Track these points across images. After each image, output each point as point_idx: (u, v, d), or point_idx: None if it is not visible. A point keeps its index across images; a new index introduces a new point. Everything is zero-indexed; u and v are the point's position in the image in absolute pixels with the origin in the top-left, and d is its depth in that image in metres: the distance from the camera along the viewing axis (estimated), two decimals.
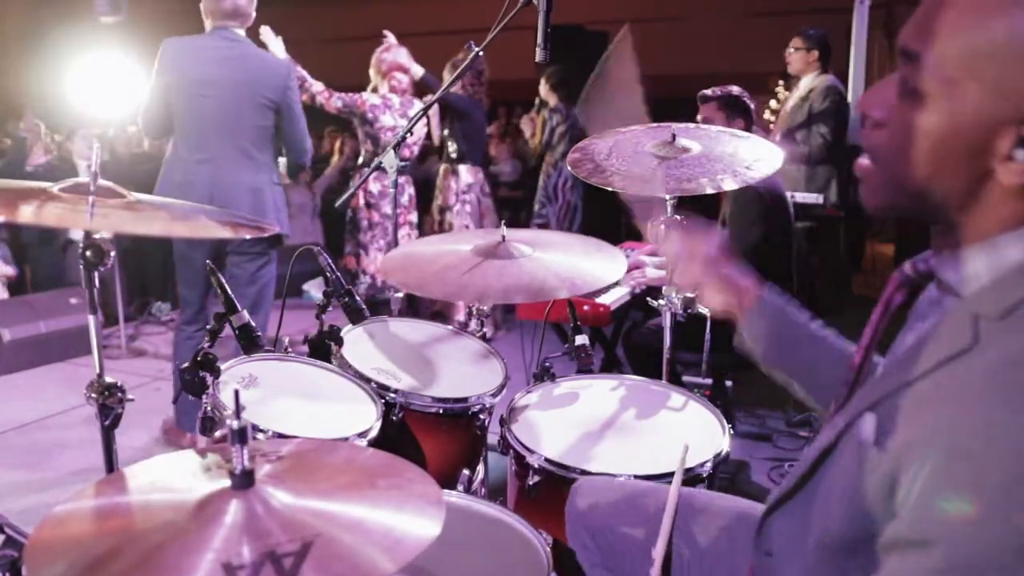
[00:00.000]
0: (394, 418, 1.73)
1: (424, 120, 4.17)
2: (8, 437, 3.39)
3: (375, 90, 4.23)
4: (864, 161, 0.90)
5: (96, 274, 1.37)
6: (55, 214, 1.25)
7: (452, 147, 4.57)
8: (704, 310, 2.03)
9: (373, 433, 1.59)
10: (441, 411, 1.79)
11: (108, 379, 1.43)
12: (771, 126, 5.21)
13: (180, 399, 2.93)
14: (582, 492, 1.44)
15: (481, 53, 2.23)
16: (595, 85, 1.53)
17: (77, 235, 1.39)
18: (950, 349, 0.77)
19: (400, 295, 2.22)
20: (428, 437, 1.79)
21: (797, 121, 4.39)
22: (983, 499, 0.66)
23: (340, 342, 1.83)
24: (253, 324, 1.81)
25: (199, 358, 1.53)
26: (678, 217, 2.06)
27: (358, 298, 1.98)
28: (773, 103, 6.91)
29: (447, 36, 5.88)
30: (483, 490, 1.98)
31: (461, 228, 4.52)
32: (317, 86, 3.95)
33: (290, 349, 1.84)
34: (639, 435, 1.70)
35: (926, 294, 0.93)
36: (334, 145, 7.09)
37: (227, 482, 0.84)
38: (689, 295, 2.01)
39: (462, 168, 4.57)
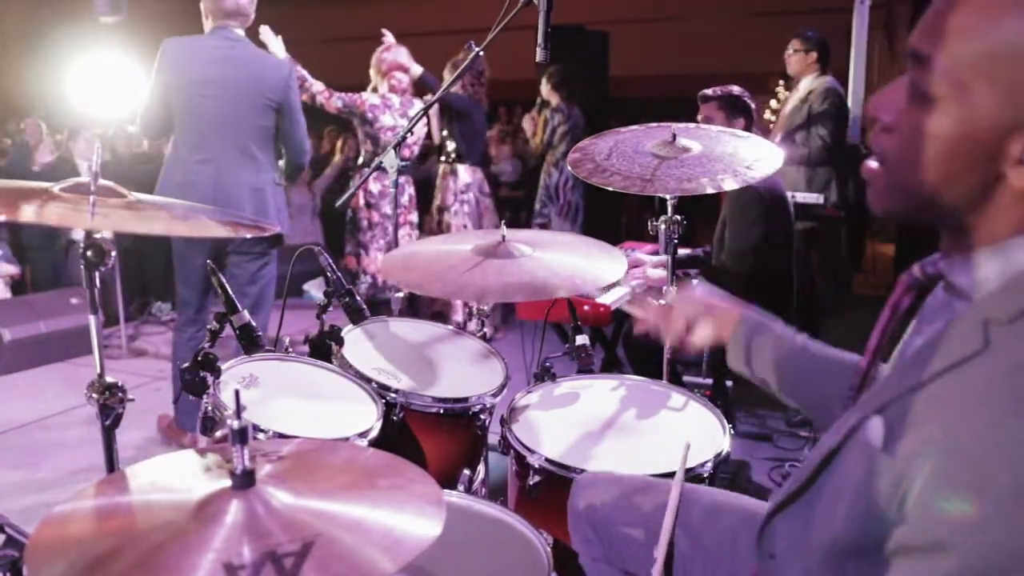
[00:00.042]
0: (394, 418, 1.73)
1: (424, 120, 4.17)
2: (8, 437, 3.39)
3: (375, 90, 4.23)
4: (872, 164, 0.89)
5: (96, 274, 1.37)
6: (56, 214, 1.25)
7: (451, 147, 4.57)
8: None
9: (373, 433, 1.59)
10: (442, 411, 1.79)
11: (108, 379, 1.43)
12: (771, 126, 5.22)
13: (180, 399, 2.93)
14: (584, 486, 1.44)
15: (481, 53, 2.23)
16: None
17: (78, 235, 1.39)
18: (960, 353, 0.76)
19: (401, 295, 2.22)
20: (428, 437, 1.79)
21: (796, 123, 4.39)
22: (992, 503, 0.66)
23: (341, 342, 1.83)
24: (254, 324, 1.81)
25: (200, 358, 1.53)
26: (678, 218, 2.07)
27: (359, 298, 1.98)
28: (773, 103, 6.91)
29: (447, 36, 5.89)
30: (483, 490, 1.98)
31: (459, 228, 4.52)
32: (317, 86, 3.95)
33: (291, 349, 1.84)
34: (639, 435, 1.70)
35: (934, 297, 0.93)
36: (335, 145, 7.09)
37: (227, 482, 0.84)
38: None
39: (461, 168, 4.57)
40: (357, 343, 1.92)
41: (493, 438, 1.81)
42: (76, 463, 3.08)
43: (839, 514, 0.83)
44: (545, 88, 5.27)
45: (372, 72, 4.24)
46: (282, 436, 1.47)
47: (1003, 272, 0.79)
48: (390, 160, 2.31)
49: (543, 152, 5.36)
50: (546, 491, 1.58)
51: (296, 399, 1.68)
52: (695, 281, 1.50)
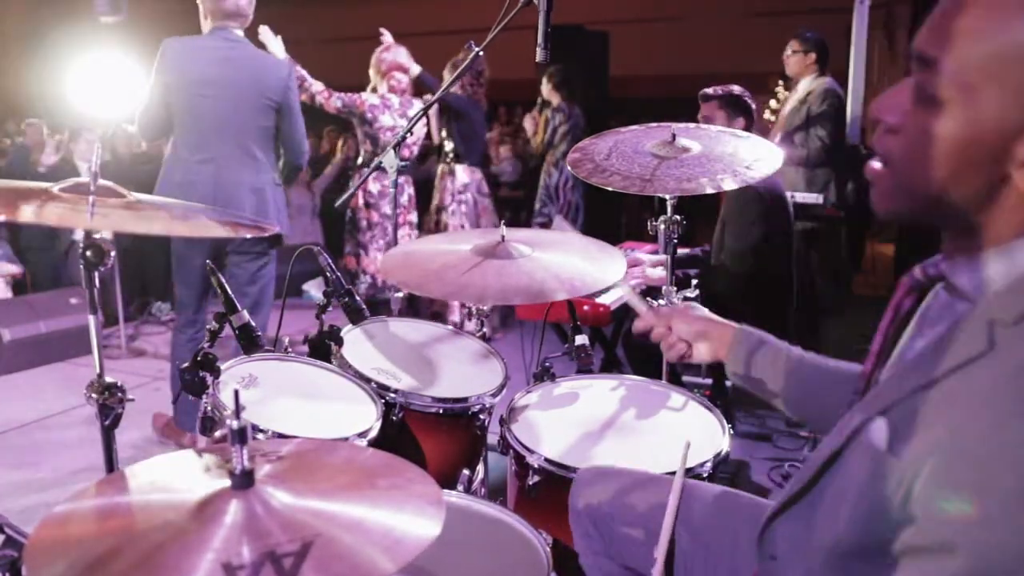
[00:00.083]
0: (394, 418, 1.73)
1: (424, 120, 4.17)
2: (8, 437, 3.39)
3: (374, 90, 4.23)
4: (876, 165, 0.89)
5: (96, 274, 1.37)
6: (56, 214, 1.25)
7: (449, 147, 4.57)
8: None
9: (373, 433, 1.59)
10: (441, 411, 1.79)
11: (108, 379, 1.43)
12: (770, 126, 5.22)
13: (180, 399, 2.93)
14: (585, 480, 1.44)
15: (481, 53, 2.23)
16: None
17: (79, 236, 1.39)
18: (965, 354, 0.76)
19: (400, 295, 2.22)
20: (428, 437, 1.79)
21: (795, 124, 4.39)
22: (998, 504, 0.66)
23: (340, 342, 1.83)
24: (253, 324, 1.81)
25: (199, 358, 1.53)
26: (678, 218, 2.07)
27: (358, 298, 1.98)
28: (773, 103, 6.91)
29: (447, 36, 5.89)
30: (483, 490, 1.98)
31: (456, 228, 4.52)
32: (317, 86, 3.95)
33: (290, 349, 1.84)
34: (639, 435, 1.70)
35: (936, 299, 0.92)
36: (335, 145, 7.09)
37: (227, 482, 0.84)
38: (689, 295, 2.02)
39: (459, 168, 4.57)
40: (356, 343, 1.92)
41: (492, 438, 1.81)
42: (76, 463, 3.08)
43: (842, 515, 0.83)
44: (546, 88, 5.28)
45: (372, 72, 4.24)
46: (281, 436, 1.47)
47: (1008, 273, 0.79)
48: (390, 160, 2.31)
49: (544, 152, 5.36)
50: (545, 491, 1.58)
51: (295, 399, 1.68)
52: (694, 282, 1.50)
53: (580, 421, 1.74)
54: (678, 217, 2.09)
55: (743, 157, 1.97)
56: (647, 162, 1.96)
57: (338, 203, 2.69)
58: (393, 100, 4.16)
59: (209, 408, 1.54)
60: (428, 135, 4.71)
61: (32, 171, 5.43)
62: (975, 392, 0.73)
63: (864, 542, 0.79)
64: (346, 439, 1.54)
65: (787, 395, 1.28)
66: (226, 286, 1.76)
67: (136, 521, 0.84)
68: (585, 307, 2.87)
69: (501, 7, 1.99)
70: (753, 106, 2.96)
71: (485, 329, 2.13)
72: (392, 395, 1.74)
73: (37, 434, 3.42)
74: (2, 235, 5.09)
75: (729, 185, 1.90)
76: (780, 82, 6.40)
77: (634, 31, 9.64)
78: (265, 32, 3.66)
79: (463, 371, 1.94)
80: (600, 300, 2.90)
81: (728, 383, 3.19)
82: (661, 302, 2.03)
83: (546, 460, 1.57)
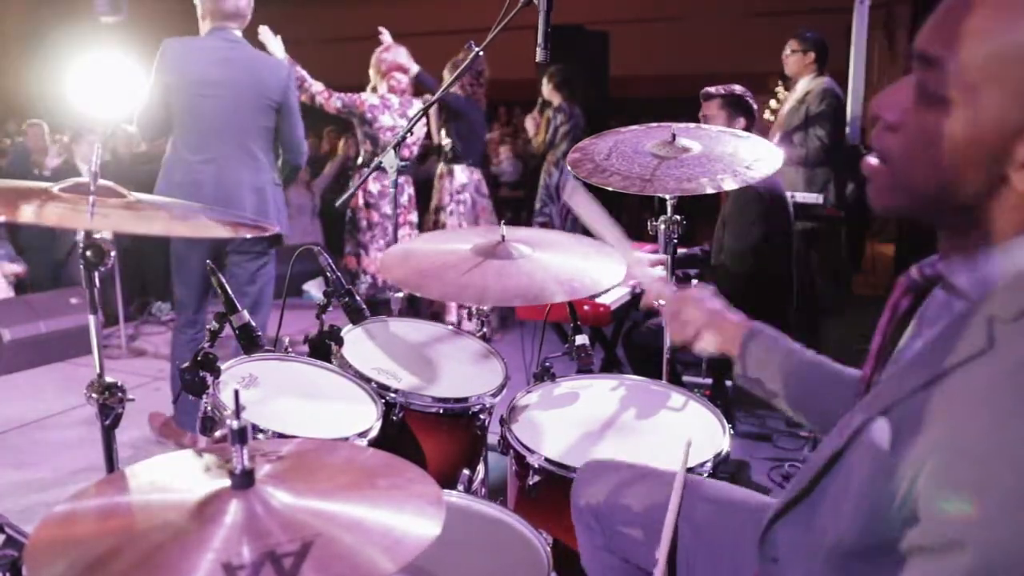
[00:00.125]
0: (394, 418, 1.73)
1: (424, 120, 4.17)
2: (8, 437, 3.39)
3: (374, 90, 4.23)
4: (872, 160, 0.89)
5: (96, 274, 1.37)
6: (56, 214, 1.25)
7: (448, 147, 4.58)
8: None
9: (373, 433, 1.59)
10: (441, 411, 1.79)
11: (108, 379, 1.43)
12: (769, 126, 5.22)
13: (180, 399, 2.93)
14: (588, 474, 1.44)
15: (481, 53, 2.23)
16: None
17: (80, 238, 1.39)
18: (965, 352, 0.76)
19: (400, 295, 2.22)
20: (428, 437, 1.79)
21: (794, 124, 4.40)
22: (999, 502, 0.66)
23: (340, 342, 1.83)
24: (253, 324, 1.81)
25: (199, 358, 1.53)
26: (678, 218, 2.07)
27: (358, 298, 1.98)
28: (773, 103, 6.91)
29: (447, 36, 5.88)
30: (483, 490, 1.98)
31: (454, 228, 4.52)
32: (316, 86, 3.95)
33: (290, 349, 1.84)
34: (639, 435, 1.70)
35: (933, 299, 0.92)
36: (335, 145, 7.09)
37: (227, 482, 0.84)
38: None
39: (457, 168, 4.56)
40: (357, 343, 1.92)
41: (493, 438, 1.81)
42: (76, 463, 3.08)
43: (844, 515, 0.83)
44: (547, 88, 5.28)
45: (372, 72, 4.24)
46: (281, 436, 1.47)
47: (1006, 271, 0.80)
48: (390, 160, 2.31)
49: (545, 152, 5.37)
50: (546, 491, 1.58)
51: (296, 399, 1.68)
52: (694, 282, 1.46)
53: (580, 421, 1.74)
54: (678, 217, 2.09)
55: (743, 157, 1.97)
56: (647, 162, 1.96)
57: (338, 203, 2.69)
58: (393, 100, 4.16)
59: (209, 408, 1.54)
60: (428, 135, 4.71)
61: (33, 172, 5.43)
62: (975, 390, 0.73)
63: (866, 542, 0.79)
64: (346, 439, 1.54)
65: (792, 397, 1.26)
66: (226, 286, 1.76)
67: (136, 521, 0.84)
68: (585, 307, 2.87)
69: (501, 7, 1.99)
70: (755, 107, 2.96)
71: (485, 329, 2.13)
72: (392, 395, 1.74)
73: (37, 434, 3.42)
74: (2, 235, 5.09)
75: (729, 185, 1.90)
76: (780, 82, 6.40)
77: (634, 31, 9.64)
78: (265, 32, 3.66)
79: (463, 371, 1.94)
80: (600, 300, 2.90)
81: (728, 383, 3.20)
82: (661, 302, 2.02)
83: (546, 460, 1.57)
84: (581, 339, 1.99)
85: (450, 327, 2.19)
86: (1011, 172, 0.77)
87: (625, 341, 3.16)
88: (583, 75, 5.68)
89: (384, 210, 4.15)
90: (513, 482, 1.71)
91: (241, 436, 0.82)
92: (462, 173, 4.57)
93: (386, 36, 4.25)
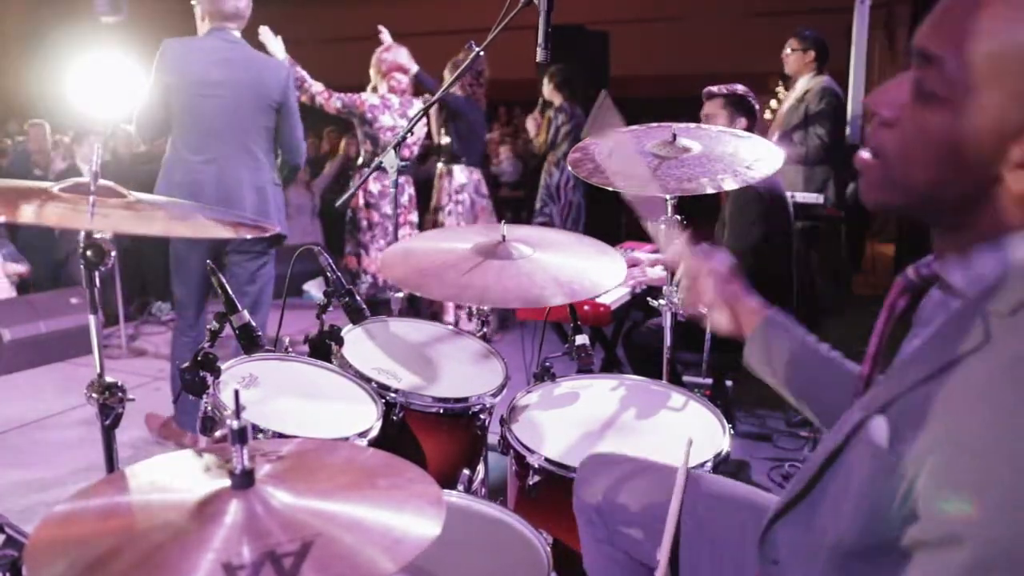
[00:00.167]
0: (394, 418, 1.73)
1: (424, 120, 4.17)
2: (8, 437, 3.39)
3: (375, 90, 4.23)
4: (865, 155, 0.89)
5: (96, 274, 1.37)
6: (56, 214, 1.25)
7: (446, 147, 4.58)
8: (704, 310, 2.03)
9: (373, 433, 1.59)
10: (441, 411, 1.79)
11: (108, 379, 1.43)
12: (769, 125, 5.22)
13: (180, 399, 2.93)
14: (589, 470, 1.44)
15: (481, 53, 2.23)
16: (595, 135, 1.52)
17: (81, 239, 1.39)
18: (962, 348, 0.76)
19: (400, 295, 2.22)
20: (428, 437, 1.79)
21: (793, 122, 4.40)
22: (998, 497, 0.66)
23: (340, 342, 1.83)
24: (253, 324, 1.81)
25: (199, 358, 1.53)
26: (678, 218, 2.06)
27: (358, 298, 1.98)
28: (773, 103, 6.91)
29: (447, 36, 5.89)
30: (483, 490, 1.98)
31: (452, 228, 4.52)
32: (317, 87, 3.95)
33: (290, 349, 1.84)
34: (639, 435, 1.70)
35: (929, 299, 0.93)
36: (336, 145, 7.10)
37: (227, 482, 0.84)
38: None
39: (456, 168, 4.56)
40: (357, 343, 1.92)
41: (493, 438, 1.81)
42: (76, 463, 3.08)
43: (844, 514, 0.83)
44: (547, 88, 5.28)
45: (372, 72, 4.24)
46: (281, 436, 1.47)
47: (1000, 267, 0.80)
48: (390, 160, 2.31)
49: (546, 152, 5.37)
50: (546, 491, 1.58)
51: (296, 399, 1.68)
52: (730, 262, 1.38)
53: (580, 421, 1.74)
54: (678, 217, 2.09)
55: (743, 157, 1.97)
56: (647, 162, 1.96)
57: (338, 203, 2.69)
58: (393, 100, 4.16)
59: (209, 408, 1.54)
60: (428, 135, 4.71)
61: (33, 172, 5.43)
62: (972, 385, 0.73)
63: (866, 541, 0.79)
64: (346, 439, 1.54)
65: (798, 389, 1.24)
66: (227, 286, 1.76)
67: (136, 521, 0.84)
68: (585, 307, 2.87)
69: (501, 7, 1.99)
70: (756, 107, 2.96)
71: (485, 329, 2.13)
72: (392, 395, 1.74)
73: (37, 434, 3.42)
74: (2, 234, 5.10)
75: (729, 185, 1.89)
76: (780, 82, 6.40)
77: (634, 31, 9.63)
78: (265, 32, 3.66)
79: (463, 371, 1.94)
80: (600, 300, 2.90)
81: (728, 383, 3.20)
82: (661, 302, 2.03)
83: (546, 460, 1.57)
84: (581, 339, 1.99)
85: (450, 327, 2.19)
86: (1005, 172, 0.77)
87: (625, 341, 3.16)
88: (583, 75, 5.67)
89: (384, 210, 4.15)
90: (513, 482, 1.71)
91: (241, 436, 0.82)
92: (461, 173, 4.56)
93: (386, 36, 4.25)
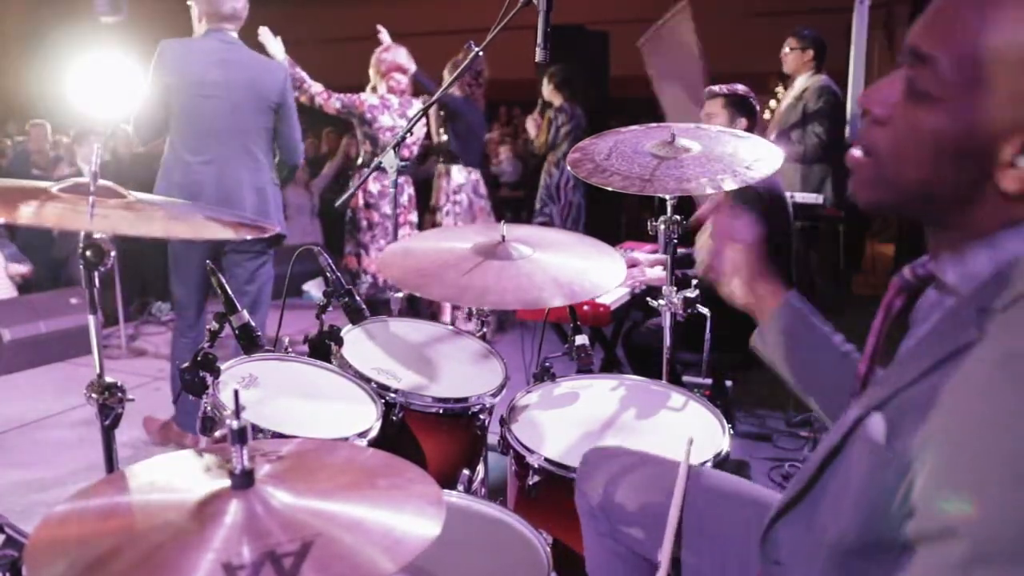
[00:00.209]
0: (394, 418, 1.73)
1: (423, 120, 4.17)
2: (8, 437, 3.39)
3: (374, 90, 4.23)
4: (857, 153, 0.89)
5: (96, 274, 1.37)
6: (55, 214, 1.25)
7: (445, 146, 4.57)
8: (704, 310, 2.03)
9: (373, 433, 1.59)
10: (441, 411, 1.79)
11: (108, 379, 1.43)
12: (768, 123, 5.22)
13: (180, 399, 2.93)
14: (592, 462, 1.44)
15: (481, 53, 2.23)
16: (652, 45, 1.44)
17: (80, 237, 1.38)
18: (956, 343, 0.76)
19: (400, 295, 2.22)
20: (428, 437, 1.79)
21: (791, 121, 4.41)
22: (994, 490, 0.66)
23: (340, 342, 1.83)
24: (253, 324, 1.81)
25: (199, 358, 1.53)
26: (678, 218, 2.07)
27: (358, 298, 1.98)
28: (773, 103, 6.91)
29: (447, 36, 5.88)
30: (483, 490, 1.98)
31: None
32: (316, 87, 3.95)
33: (290, 349, 1.84)
34: (639, 435, 1.70)
35: (926, 299, 0.93)
36: (336, 146, 7.10)
37: (227, 482, 0.84)
38: (689, 295, 2.01)
39: (454, 168, 4.56)
40: (357, 343, 1.92)
41: (493, 438, 1.81)
42: (76, 463, 3.08)
43: (844, 511, 0.83)
44: (547, 88, 5.28)
45: (371, 72, 4.24)
46: (281, 436, 1.47)
47: (993, 263, 0.80)
48: (389, 160, 2.31)
49: (546, 152, 5.37)
50: (545, 491, 1.58)
51: (295, 399, 1.68)
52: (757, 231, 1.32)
53: (580, 421, 1.74)
54: (678, 217, 2.09)
55: (743, 157, 1.97)
56: (647, 162, 1.96)
57: (338, 203, 2.69)
58: (392, 100, 4.16)
59: (209, 408, 1.54)
60: (428, 135, 4.71)
61: (32, 173, 5.43)
62: (967, 381, 0.73)
63: (866, 538, 0.79)
64: (346, 439, 1.54)
65: (804, 380, 1.23)
66: (226, 286, 1.76)
67: (136, 521, 0.84)
68: (585, 307, 2.87)
69: (501, 7, 1.99)
70: (757, 108, 2.96)
71: (485, 329, 2.13)
72: (392, 395, 1.74)
73: (37, 434, 3.42)
74: (2, 234, 5.10)
75: (729, 185, 1.89)
76: (780, 82, 6.41)
77: (634, 31, 9.57)
78: (265, 33, 3.66)
79: (463, 371, 1.94)
80: (600, 300, 2.90)
81: (728, 383, 3.20)
82: (661, 302, 2.03)
83: (546, 460, 1.57)
84: (581, 339, 2.00)
85: (450, 327, 2.19)
86: (995, 171, 0.78)
87: (625, 341, 3.16)
88: (583, 75, 5.68)
89: (384, 210, 4.15)
90: (513, 482, 1.71)
91: (241, 436, 0.82)
92: (459, 173, 4.56)
93: (384, 36, 4.25)
